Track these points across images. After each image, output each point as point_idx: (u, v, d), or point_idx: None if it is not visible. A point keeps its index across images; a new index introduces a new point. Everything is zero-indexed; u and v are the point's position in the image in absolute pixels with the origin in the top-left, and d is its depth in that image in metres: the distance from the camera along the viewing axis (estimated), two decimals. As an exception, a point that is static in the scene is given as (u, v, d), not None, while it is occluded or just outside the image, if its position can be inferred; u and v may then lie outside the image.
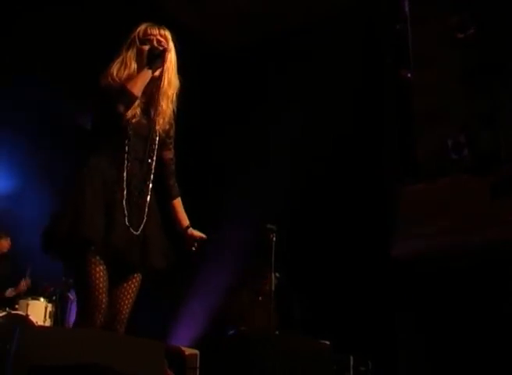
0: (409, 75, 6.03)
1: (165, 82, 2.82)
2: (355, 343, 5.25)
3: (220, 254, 6.47)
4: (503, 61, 5.64)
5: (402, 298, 5.88)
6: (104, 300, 2.55)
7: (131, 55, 2.81)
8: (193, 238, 2.92)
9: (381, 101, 6.53)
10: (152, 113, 2.80)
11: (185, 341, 6.59)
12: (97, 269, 2.56)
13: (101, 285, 2.55)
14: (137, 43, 2.83)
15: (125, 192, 2.67)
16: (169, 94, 2.85)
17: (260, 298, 5.48)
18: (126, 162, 2.70)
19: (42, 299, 6.04)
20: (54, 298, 6.12)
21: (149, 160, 2.79)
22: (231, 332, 5.04)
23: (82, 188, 2.64)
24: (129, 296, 2.72)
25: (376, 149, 6.48)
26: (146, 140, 2.74)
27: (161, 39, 2.83)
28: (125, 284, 2.71)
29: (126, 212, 2.64)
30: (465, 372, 5.27)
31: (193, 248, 2.93)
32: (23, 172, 6.91)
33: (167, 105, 2.85)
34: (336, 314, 5.91)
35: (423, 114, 6.07)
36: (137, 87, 2.68)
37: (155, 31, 2.85)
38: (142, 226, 2.67)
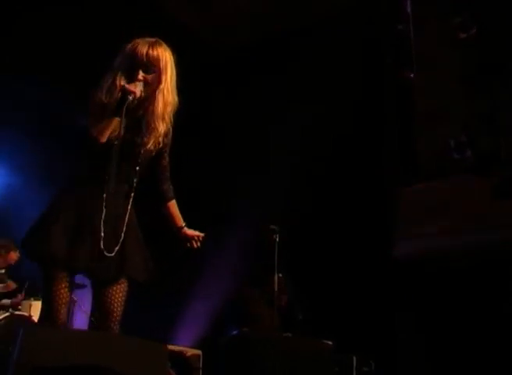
0: (411, 75, 6.03)
1: (160, 104, 2.77)
2: (358, 343, 5.25)
3: (222, 255, 6.47)
4: (504, 61, 5.64)
5: (402, 298, 5.88)
6: (62, 311, 2.64)
7: (121, 76, 2.73)
8: (188, 237, 2.99)
9: (381, 102, 6.53)
10: (143, 131, 2.78)
11: (188, 342, 6.59)
12: (59, 286, 2.64)
13: (61, 296, 2.64)
14: (127, 62, 2.74)
15: (103, 214, 2.67)
16: (165, 115, 2.81)
17: (263, 298, 5.48)
18: (106, 184, 2.69)
19: (45, 300, 6.01)
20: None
21: (132, 180, 2.80)
22: (233, 332, 5.03)
23: (57, 208, 2.70)
24: (118, 296, 2.76)
25: (377, 149, 6.49)
26: (130, 159, 2.75)
27: (150, 64, 2.73)
28: (114, 287, 2.76)
29: (102, 234, 2.65)
30: (465, 372, 5.27)
31: (192, 245, 3.01)
32: (23, 172, 6.92)
33: (160, 125, 2.80)
34: (338, 314, 5.91)
35: (423, 114, 6.06)
36: (103, 135, 2.63)
37: (143, 51, 2.72)
38: (118, 246, 2.69)
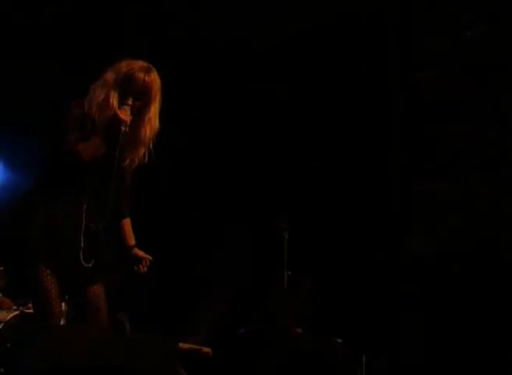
0: (416, 74, 6.04)
1: (147, 131, 2.87)
2: (368, 341, 5.25)
3: (232, 253, 6.47)
4: (510, 59, 5.65)
5: (408, 298, 5.88)
6: (57, 304, 2.71)
7: (114, 95, 2.79)
8: (137, 258, 2.99)
9: (388, 100, 6.51)
10: (124, 148, 2.84)
11: (198, 340, 6.58)
12: (49, 282, 2.69)
13: (53, 291, 2.69)
14: (121, 84, 2.80)
15: (83, 225, 2.74)
16: (147, 141, 2.90)
17: (275, 296, 5.48)
18: (85, 196, 2.77)
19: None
20: (66, 296, 6.08)
21: (108, 194, 2.82)
22: (242, 330, 5.03)
23: (34, 218, 2.74)
24: (100, 294, 2.84)
25: (386, 148, 6.46)
26: (107, 174, 2.78)
27: (142, 92, 2.80)
28: (94, 286, 2.83)
29: (82, 244, 2.71)
30: (466, 371, 5.28)
31: (139, 268, 2.99)
32: (23, 172, 6.91)
33: (141, 150, 2.91)
34: (348, 312, 5.90)
35: (430, 113, 6.08)
36: (88, 154, 2.71)
37: (140, 78, 2.79)
38: (95, 259, 2.76)
